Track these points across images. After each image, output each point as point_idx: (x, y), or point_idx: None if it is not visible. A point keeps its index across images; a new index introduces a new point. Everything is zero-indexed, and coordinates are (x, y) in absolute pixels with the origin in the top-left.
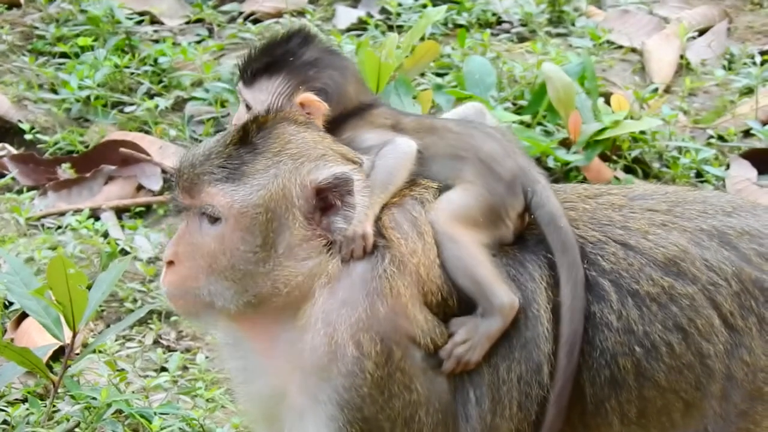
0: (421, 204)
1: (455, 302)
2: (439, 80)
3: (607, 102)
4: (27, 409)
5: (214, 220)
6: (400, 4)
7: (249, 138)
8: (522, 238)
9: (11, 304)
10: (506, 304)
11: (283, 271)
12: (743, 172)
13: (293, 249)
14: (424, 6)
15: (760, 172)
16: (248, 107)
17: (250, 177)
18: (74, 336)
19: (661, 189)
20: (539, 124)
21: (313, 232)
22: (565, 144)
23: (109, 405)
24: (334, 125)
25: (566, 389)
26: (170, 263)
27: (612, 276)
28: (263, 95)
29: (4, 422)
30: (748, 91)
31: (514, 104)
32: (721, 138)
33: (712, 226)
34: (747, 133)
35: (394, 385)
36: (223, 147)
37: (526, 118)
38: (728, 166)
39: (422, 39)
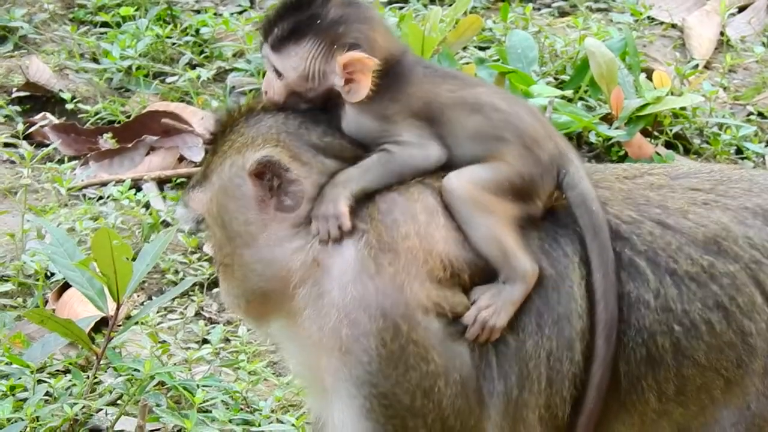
0: (429, 188)
1: (468, 277)
2: (481, 54)
3: (648, 78)
4: (69, 380)
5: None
6: None
7: (216, 141)
8: (554, 212)
9: (52, 274)
10: (529, 271)
11: (256, 262)
12: None
13: (257, 238)
14: None
15: None
16: (278, 74)
17: (208, 178)
18: (118, 308)
19: (706, 167)
20: (581, 99)
21: (270, 217)
22: (607, 119)
23: (152, 377)
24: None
25: (606, 375)
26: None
27: (648, 254)
28: (294, 61)
29: (47, 393)
30: None
31: (556, 79)
32: (761, 114)
33: (756, 204)
34: None
35: (409, 358)
36: (206, 154)
37: (568, 93)
38: (767, 144)
39: (465, 13)
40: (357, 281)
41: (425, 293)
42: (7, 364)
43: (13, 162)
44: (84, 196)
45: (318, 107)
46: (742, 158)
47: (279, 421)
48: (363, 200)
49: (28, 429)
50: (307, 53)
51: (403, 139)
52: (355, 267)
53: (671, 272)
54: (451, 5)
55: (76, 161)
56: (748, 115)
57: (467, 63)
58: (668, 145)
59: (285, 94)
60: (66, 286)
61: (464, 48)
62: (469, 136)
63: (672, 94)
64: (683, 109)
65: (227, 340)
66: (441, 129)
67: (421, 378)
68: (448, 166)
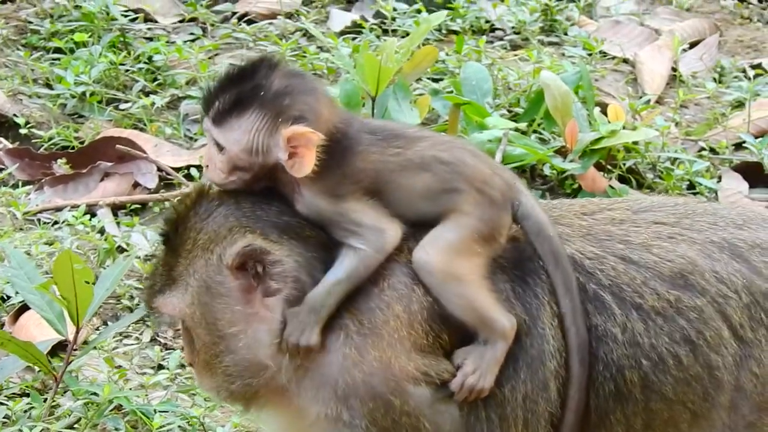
0: (396, 263)
1: (448, 336)
2: (435, 85)
3: (602, 112)
4: (28, 403)
5: (176, 324)
6: (395, 9)
7: (170, 241)
8: (520, 252)
9: (8, 297)
10: (507, 327)
11: (243, 362)
12: (735, 184)
13: (243, 339)
14: (419, 11)
15: (752, 186)
16: (220, 148)
17: (177, 281)
18: (77, 331)
19: (669, 200)
20: (534, 131)
21: (255, 310)
22: (561, 152)
23: (110, 401)
24: (320, 155)
25: (582, 397)
26: (190, 365)
27: (613, 289)
28: (236, 134)
29: (6, 417)
30: (739, 105)
31: (510, 111)
32: (712, 150)
33: (722, 238)
34: (738, 146)
35: (401, 429)
36: (158, 256)
37: (522, 125)
38: (720, 179)
39: (419, 46)
40: (344, 372)
41: (413, 364)
42: None
43: None
44: (39, 220)
45: (262, 186)
46: (695, 194)
47: None
48: None
49: None
50: (250, 126)
51: (362, 226)
52: (342, 361)
53: (637, 307)
54: (403, 37)
55: (31, 186)
56: (700, 150)
57: (421, 94)
58: (621, 179)
59: (227, 170)
60: (22, 310)
61: (418, 79)
62: (421, 196)
63: (625, 128)
64: (635, 143)
65: (183, 366)
66: (392, 196)
67: None
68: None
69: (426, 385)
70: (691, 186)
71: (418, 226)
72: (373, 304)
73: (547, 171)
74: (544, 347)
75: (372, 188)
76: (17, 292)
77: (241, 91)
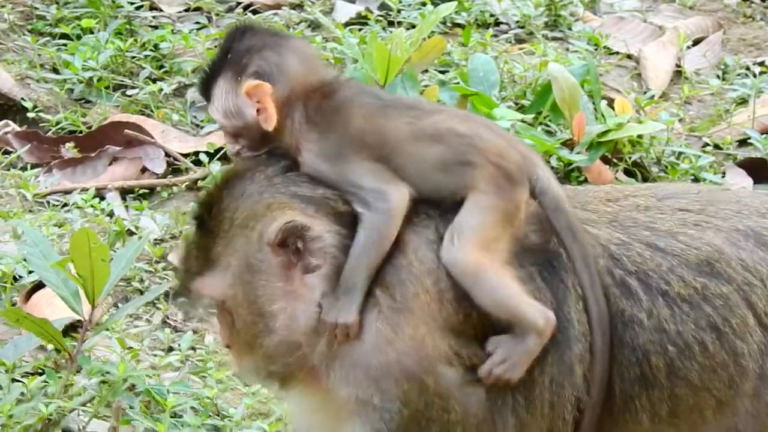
0: (421, 238)
1: (478, 317)
2: (441, 77)
3: (609, 105)
4: (43, 381)
5: (216, 306)
6: (400, 1)
7: (205, 224)
8: (545, 235)
9: (20, 278)
10: (541, 324)
11: (282, 344)
12: (739, 180)
13: (286, 310)
14: (423, 4)
15: (756, 181)
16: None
17: (215, 262)
18: (93, 309)
19: (693, 188)
20: (541, 123)
21: (295, 287)
22: (567, 144)
23: (124, 380)
24: (312, 114)
25: (606, 371)
26: (227, 347)
27: (639, 276)
28: (215, 104)
29: (21, 394)
30: (742, 102)
31: (516, 103)
32: (716, 146)
33: (747, 226)
34: (742, 143)
35: (432, 411)
36: (192, 240)
37: (528, 117)
38: (724, 174)
39: (426, 37)
40: (377, 351)
41: (446, 343)
42: None
43: None
44: (48, 203)
45: (268, 149)
46: None
47: (250, 429)
48: None
49: (2, 427)
50: (220, 92)
51: (363, 189)
52: (375, 338)
53: (663, 293)
54: (408, 29)
55: (39, 169)
56: (704, 146)
57: (427, 85)
58: (627, 172)
59: (229, 140)
60: (34, 290)
61: (424, 71)
62: (435, 167)
63: (630, 122)
64: (640, 137)
65: (194, 349)
66: (404, 166)
67: (441, 428)
68: (422, 200)
69: (457, 367)
70: (696, 180)
71: (436, 203)
72: (404, 276)
73: (554, 163)
74: (570, 331)
75: (379, 154)
76: (30, 272)
77: (215, 61)
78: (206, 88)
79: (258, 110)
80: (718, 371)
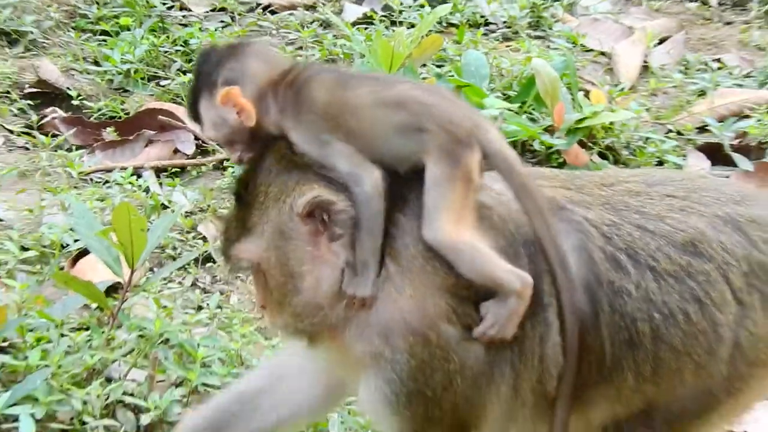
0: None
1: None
2: (438, 70)
3: (585, 96)
4: (88, 335)
5: (251, 270)
6: (401, 3)
7: (242, 197)
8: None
9: (67, 245)
10: (518, 287)
11: (307, 305)
12: (699, 162)
13: (312, 272)
14: (422, 6)
15: (713, 164)
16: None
17: (252, 230)
18: (132, 273)
19: (677, 175)
20: (525, 112)
21: (322, 253)
22: (549, 130)
23: (160, 335)
24: (283, 103)
25: (575, 328)
26: (262, 307)
27: (629, 252)
28: (203, 123)
29: (68, 347)
30: (702, 93)
31: (504, 94)
32: (679, 133)
33: (726, 213)
34: (701, 129)
35: (434, 361)
36: (232, 212)
37: (514, 106)
38: (685, 157)
39: (426, 34)
40: (385, 311)
41: (444, 302)
42: (33, 319)
43: (27, 148)
44: (91, 180)
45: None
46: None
47: None
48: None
49: (52, 375)
50: (202, 110)
51: (342, 173)
52: (383, 300)
53: (651, 268)
54: (409, 28)
55: (83, 150)
56: (667, 132)
57: (425, 78)
58: (600, 155)
59: (227, 149)
60: (79, 256)
61: (423, 65)
62: (396, 131)
63: (604, 111)
64: (612, 124)
65: (220, 308)
66: (369, 131)
67: (443, 376)
68: (388, 165)
69: (456, 324)
70: (660, 163)
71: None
72: (407, 240)
73: (536, 146)
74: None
75: (348, 126)
76: (75, 241)
77: (192, 89)
78: (194, 114)
79: (237, 112)
80: (699, 338)
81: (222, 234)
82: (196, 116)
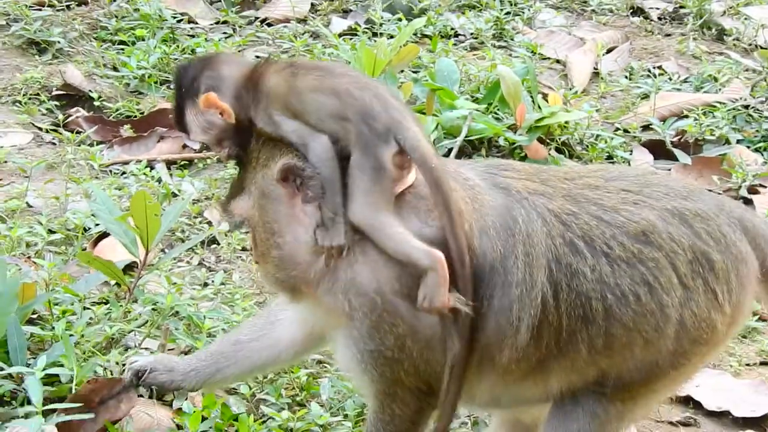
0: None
1: None
2: (414, 75)
3: (543, 98)
4: (107, 308)
5: (245, 224)
6: (382, 17)
7: (242, 162)
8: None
9: (88, 229)
10: (427, 263)
11: (287, 259)
12: (643, 157)
13: (287, 235)
14: (400, 19)
15: (656, 158)
16: (201, 142)
17: (244, 190)
18: (147, 253)
19: (631, 171)
20: (491, 112)
21: (297, 211)
22: (512, 128)
23: (171, 308)
24: (249, 96)
25: (467, 316)
26: (257, 263)
27: (585, 239)
28: (191, 132)
29: (90, 318)
30: (645, 96)
31: (472, 96)
32: (625, 131)
33: (674, 206)
34: (645, 128)
35: (384, 324)
36: (234, 175)
37: (481, 107)
38: (631, 152)
39: (404, 44)
40: (344, 270)
41: (393, 272)
42: (59, 294)
43: (54, 144)
44: (110, 171)
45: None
46: (612, 162)
47: None
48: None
49: (76, 344)
50: (188, 119)
51: (296, 144)
52: (349, 260)
53: (606, 254)
54: (389, 38)
55: (103, 145)
56: (615, 130)
57: (404, 82)
58: (557, 150)
59: (216, 149)
60: (100, 239)
61: (401, 71)
62: (329, 115)
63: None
64: (567, 123)
65: (224, 284)
66: (312, 111)
67: (395, 338)
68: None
69: (400, 293)
70: (610, 157)
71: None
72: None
73: (501, 142)
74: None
75: (294, 108)
76: (96, 224)
77: (176, 102)
78: (181, 125)
79: (220, 113)
80: (648, 317)
81: (227, 191)
82: (183, 126)
